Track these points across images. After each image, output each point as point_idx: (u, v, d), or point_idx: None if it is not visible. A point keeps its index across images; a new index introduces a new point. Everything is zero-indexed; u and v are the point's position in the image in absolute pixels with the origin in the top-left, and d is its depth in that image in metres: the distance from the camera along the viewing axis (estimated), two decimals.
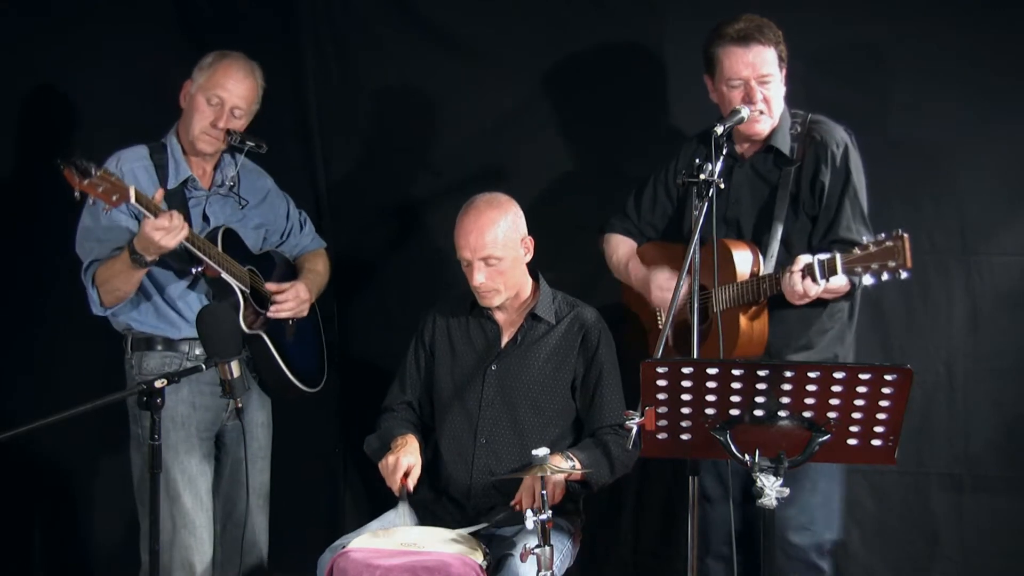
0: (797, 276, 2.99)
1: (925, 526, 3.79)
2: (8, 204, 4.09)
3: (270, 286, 3.48)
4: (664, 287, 3.39)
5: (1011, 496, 3.73)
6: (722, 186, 2.92)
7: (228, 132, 3.39)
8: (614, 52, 3.94)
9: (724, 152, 2.97)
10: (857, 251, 2.83)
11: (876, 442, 2.56)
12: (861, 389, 2.50)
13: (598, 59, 3.95)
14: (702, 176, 2.88)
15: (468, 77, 4.05)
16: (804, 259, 3.00)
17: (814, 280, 2.95)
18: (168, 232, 3.08)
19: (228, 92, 3.38)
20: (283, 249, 3.70)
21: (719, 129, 2.98)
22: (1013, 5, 3.60)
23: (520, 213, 3.31)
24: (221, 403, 3.42)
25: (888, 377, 2.49)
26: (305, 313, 3.58)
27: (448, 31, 4.05)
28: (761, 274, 3.19)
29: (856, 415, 2.54)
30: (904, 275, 2.78)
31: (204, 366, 2.88)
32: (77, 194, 2.97)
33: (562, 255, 3.93)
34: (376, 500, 3.39)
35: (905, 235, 2.75)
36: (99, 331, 3.49)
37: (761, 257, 3.23)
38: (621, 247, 3.59)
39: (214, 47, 3.78)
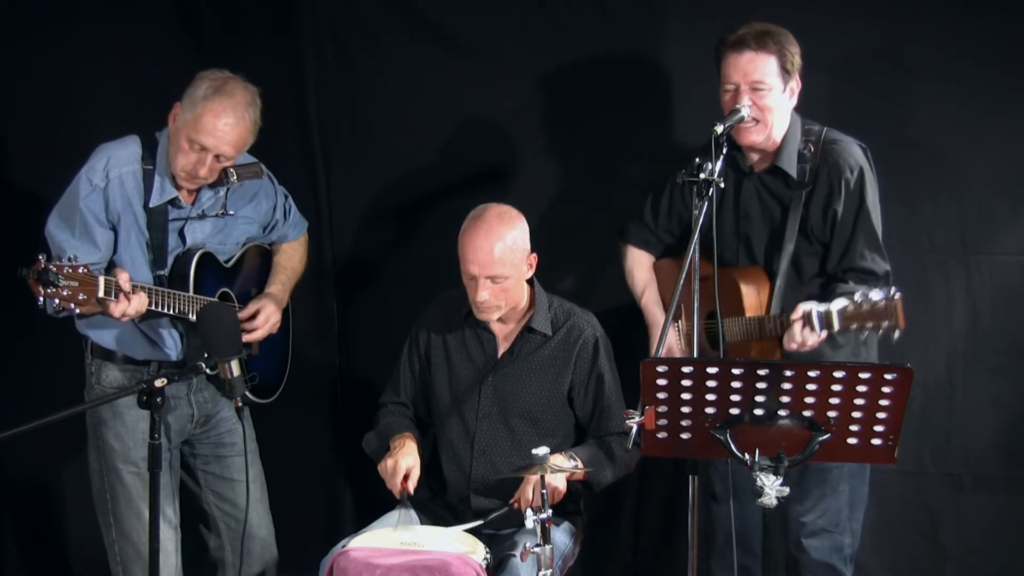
0: (797, 326, 2.98)
1: (925, 526, 3.79)
2: (7, 204, 4.09)
3: (242, 315, 3.38)
4: (671, 351, 3.41)
5: (1011, 496, 3.73)
6: (722, 185, 2.92)
7: (225, 172, 3.21)
8: (614, 53, 3.94)
9: (724, 152, 2.96)
10: (851, 308, 2.84)
11: (876, 441, 2.57)
12: (861, 388, 2.51)
13: (598, 60, 3.95)
14: (702, 176, 2.88)
15: (468, 77, 4.04)
16: (804, 307, 2.98)
17: (812, 329, 2.94)
18: (125, 314, 2.99)
19: (214, 139, 3.14)
20: (265, 241, 3.59)
21: (719, 128, 2.97)
22: (1013, 4, 3.61)
23: (527, 228, 3.27)
24: (185, 414, 3.37)
25: (888, 376, 2.49)
26: (276, 330, 3.48)
27: (448, 31, 4.05)
28: (768, 311, 3.19)
29: (856, 414, 2.54)
30: (897, 334, 2.82)
31: (204, 365, 2.87)
32: (41, 301, 2.84)
33: (561, 258, 3.93)
34: (376, 500, 3.38)
35: (897, 296, 2.76)
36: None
37: (770, 287, 3.22)
38: (636, 271, 3.56)
39: (214, 47, 3.79)
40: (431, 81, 4.08)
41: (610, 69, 3.96)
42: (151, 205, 3.22)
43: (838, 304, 2.89)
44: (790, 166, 3.23)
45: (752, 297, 3.23)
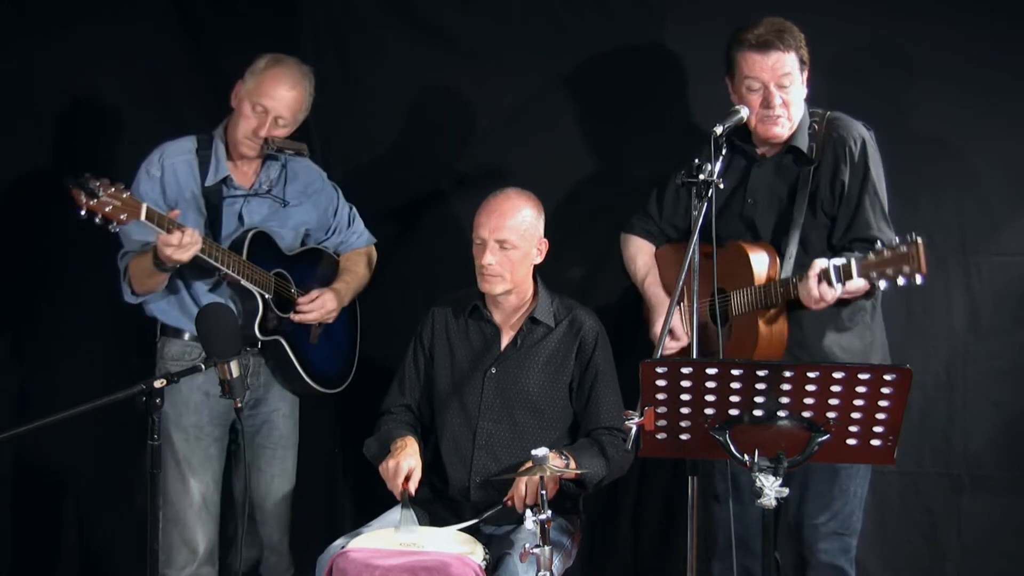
0: (813, 281, 3.00)
1: (925, 526, 3.79)
2: (8, 203, 4.09)
3: (301, 300, 3.52)
4: (676, 335, 3.41)
5: (1011, 496, 3.73)
6: (721, 186, 2.91)
7: (266, 140, 3.40)
8: (614, 52, 3.94)
9: (724, 152, 2.96)
10: (872, 256, 2.85)
11: (875, 442, 2.56)
12: (860, 389, 2.50)
13: (598, 59, 3.95)
14: (701, 176, 2.87)
15: (468, 77, 4.05)
16: (820, 263, 3.00)
17: (830, 284, 2.97)
18: (178, 248, 3.14)
19: (274, 101, 3.39)
20: (327, 245, 3.74)
21: (718, 129, 2.97)
22: (1014, 5, 3.60)
23: (543, 215, 3.34)
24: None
25: (887, 377, 2.49)
26: (331, 320, 3.61)
27: (448, 31, 4.05)
28: (778, 278, 3.19)
29: (855, 415, 2.54)
30: (920, 280, 2.80)
31: (203, 366, 2.88)
32: (83, 213, 2.99)
33: (562, 256, 3.92)
34: (376, 501, 3.37)
35: (919, 240, 2.75)
36: (103, 330, 3.44)
37: (779, 259, 3.23)
38: (640, 257, 3.57)
39: (214, 47, 3.78)
40: (431, 81, 4.08)
41: (610, 68, 3.96)
42: (207, 184, 3.41)
43: (855, 255, 2.89)
44: (802, 143, 3.25)
45: (762, 267, 3.22)
